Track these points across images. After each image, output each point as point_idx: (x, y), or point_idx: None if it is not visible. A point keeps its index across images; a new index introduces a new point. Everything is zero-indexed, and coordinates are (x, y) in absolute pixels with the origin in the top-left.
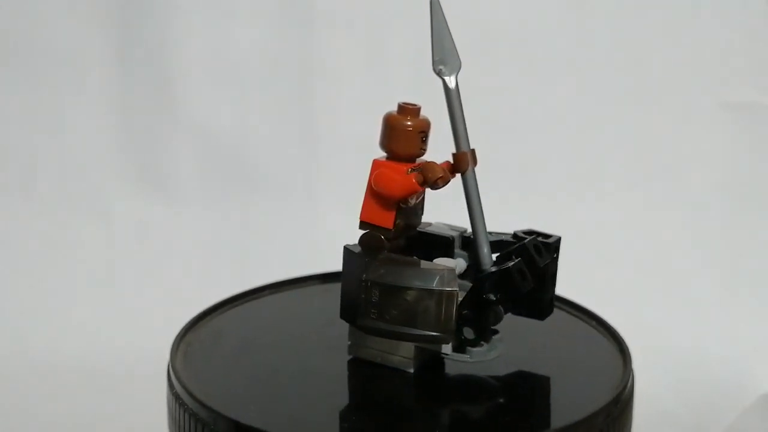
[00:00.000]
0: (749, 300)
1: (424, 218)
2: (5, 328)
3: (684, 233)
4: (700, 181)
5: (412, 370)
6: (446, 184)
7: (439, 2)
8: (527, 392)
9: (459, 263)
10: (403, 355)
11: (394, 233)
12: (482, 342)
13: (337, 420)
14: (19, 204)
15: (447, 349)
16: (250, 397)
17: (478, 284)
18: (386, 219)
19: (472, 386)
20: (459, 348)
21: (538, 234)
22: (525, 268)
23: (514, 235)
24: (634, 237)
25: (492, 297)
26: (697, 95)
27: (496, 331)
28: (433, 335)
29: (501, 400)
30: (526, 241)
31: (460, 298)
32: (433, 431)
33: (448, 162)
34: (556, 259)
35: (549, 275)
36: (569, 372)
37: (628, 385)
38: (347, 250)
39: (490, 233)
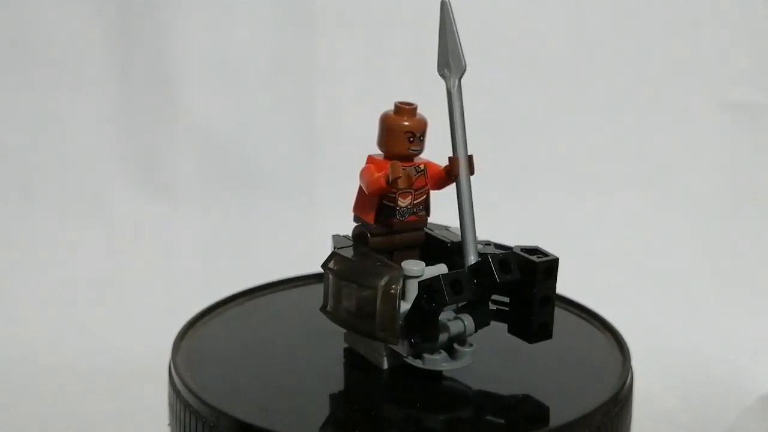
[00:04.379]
0: (749, 300)
1: (449, 221)
2: (5, 328)
3: (684, 233)
4: (700, 181)
5: (383, 367)
6: (411, 185)
7: (450, 4)
8: (526, 390)
9: (439, 268)
10: (372, 348)
11: (377, 229)
12: (441, 350)
13: (337, 418)
14: (19, 204)
15: (402, 351)
16: (251, 394)
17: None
18: (368, 214)
19: (473, 385)
20: (415, 353)
21: (538, 252)
22: (464, 281)
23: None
24: (634, 237)
25: (425, 305)
26: (697, 95)
27: (465, 342)
28: (376, 333)
29: (501, 398)
30: (489, 254)
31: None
32: (432, 429)
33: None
34: (551, 281)
35: (538, 298)
36: (568, 370)
37: (627, 382)
38: (333, 240)
39: (495, 245)
